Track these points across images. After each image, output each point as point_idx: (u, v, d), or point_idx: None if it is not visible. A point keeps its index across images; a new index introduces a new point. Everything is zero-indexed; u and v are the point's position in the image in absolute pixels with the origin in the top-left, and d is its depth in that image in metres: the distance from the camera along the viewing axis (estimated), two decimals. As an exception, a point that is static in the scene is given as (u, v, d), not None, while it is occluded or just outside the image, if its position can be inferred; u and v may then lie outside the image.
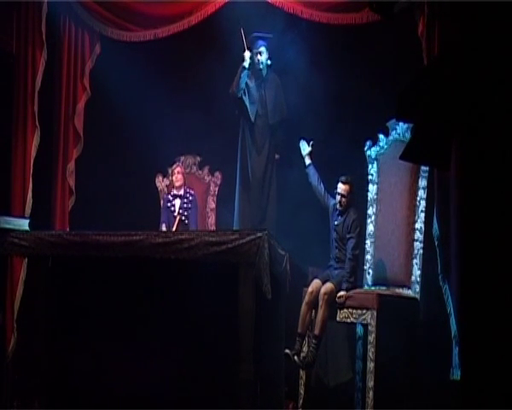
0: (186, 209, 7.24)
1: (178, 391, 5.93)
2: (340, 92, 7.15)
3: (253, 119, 7.06)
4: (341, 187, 6.12)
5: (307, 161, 6.53)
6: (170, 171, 7.47)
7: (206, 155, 7.70)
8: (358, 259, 6.17)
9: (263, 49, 7.04)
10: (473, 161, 3.09)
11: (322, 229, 6.48)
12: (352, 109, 7.11)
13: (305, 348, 6.00)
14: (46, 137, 7.52)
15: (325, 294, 5.89)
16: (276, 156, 7.11)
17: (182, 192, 7.28)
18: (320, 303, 5.89)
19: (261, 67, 7.07)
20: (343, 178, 6.13)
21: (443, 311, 5.90)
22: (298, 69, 7.04)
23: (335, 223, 6.19)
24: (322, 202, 6.36)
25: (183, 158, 7.64)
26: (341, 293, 5.96)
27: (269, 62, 7.10)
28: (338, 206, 6.16)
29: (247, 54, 6.99)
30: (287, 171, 7.06)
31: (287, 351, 5.86)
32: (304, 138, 6.62)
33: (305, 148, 6.59)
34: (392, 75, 6.46)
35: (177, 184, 7.27)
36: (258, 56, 7.06)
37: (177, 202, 7.23)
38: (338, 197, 6.14)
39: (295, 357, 5.86)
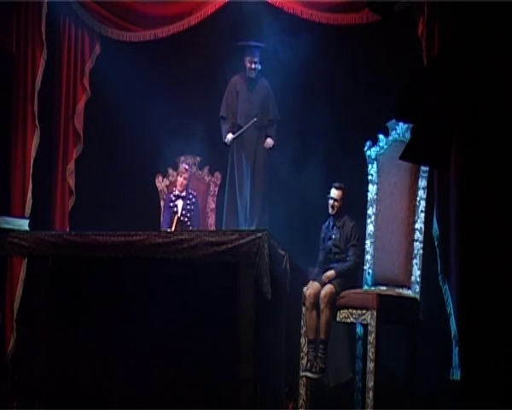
0: (189, 211, 7.22)
1: (178, 391, 5.93)
2: (340, 92, 7.15)
3: (242, 122, 7.19)
4: (334, 192, 6.16)
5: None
6: (175, 172, 7.46)
7: (206, 155, 7.69)
8: (359, 266, 6.16)
9: (257, 59, 7.19)
10: (473, 161, 3.09)
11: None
12: (352, 109, 7.11)
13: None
14: (46, 137, 7.51)
15: (325, 296, 5.87)
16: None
17: (184, 194, 7.27)
18: (321, 307, 5.86)
19: (253, 76, 7.23)
20: (336, 184, 6.18)
21: (443, 311, 5.90)
22: (297, 70, 7.04)
23: (333, 237, 6.16)
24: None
25: (183, 158, 7.62)
26: (331, 272, 5.91)
27: (259, 67, 7.23)
28: (330, 210, 6.16)
29: (230, 136, 7.15)
30: (287, 171, 7.06)
31: (303, 373, 5.88)
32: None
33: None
34: (392, 75, 6.45)
35: (179, 187, 7.26)
36: (253, 65, 7.20)
37: (180, 202, 7.22)
38: (331, 202, 6.15)
39: (309, 374, 5.84)
